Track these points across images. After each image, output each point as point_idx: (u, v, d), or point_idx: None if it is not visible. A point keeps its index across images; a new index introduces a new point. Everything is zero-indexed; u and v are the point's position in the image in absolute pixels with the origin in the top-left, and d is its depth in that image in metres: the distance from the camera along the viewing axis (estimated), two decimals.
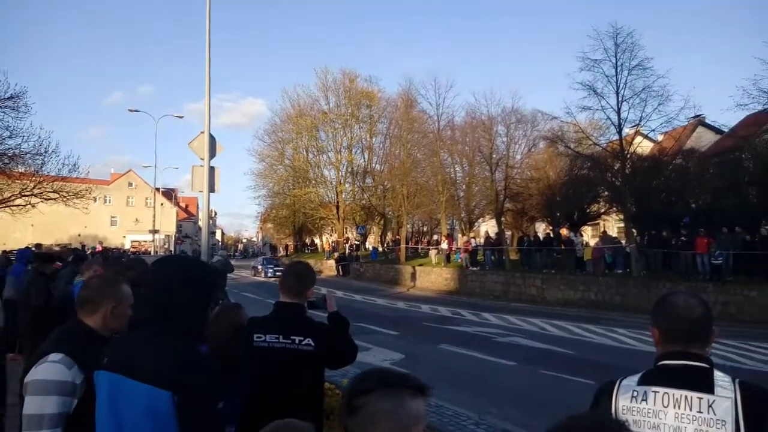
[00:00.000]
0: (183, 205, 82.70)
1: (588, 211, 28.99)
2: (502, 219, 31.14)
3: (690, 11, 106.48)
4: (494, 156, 30.26)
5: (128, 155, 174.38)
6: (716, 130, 31.06)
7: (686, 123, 24.93)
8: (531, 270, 24.51)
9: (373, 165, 44.61)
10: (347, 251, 38.61)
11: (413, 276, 29.80)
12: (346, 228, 46.47)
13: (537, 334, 14.21)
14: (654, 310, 1.80)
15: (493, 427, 6.52)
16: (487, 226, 37.07)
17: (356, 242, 42.63)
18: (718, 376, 1.65)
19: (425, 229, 46.90)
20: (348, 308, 18.60)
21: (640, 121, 21.90)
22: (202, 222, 12.21)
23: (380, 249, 39.96)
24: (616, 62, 21.22)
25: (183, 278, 1.89)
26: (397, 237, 37.51)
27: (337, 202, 44.07)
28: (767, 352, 11.55)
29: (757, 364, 10.52)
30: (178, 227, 73.77)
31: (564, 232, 25.82)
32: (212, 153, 11.09)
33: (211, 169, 11.03)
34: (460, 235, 34.96)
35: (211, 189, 11.01)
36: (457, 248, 30.24)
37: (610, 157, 23.17)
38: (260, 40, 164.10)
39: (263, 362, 2.82)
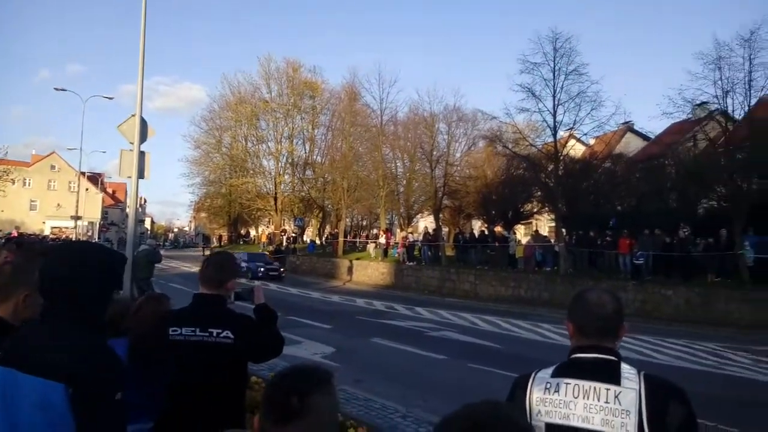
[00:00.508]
0: (110, 191, 78.91)
1: (522, 210, 29.90)
2: (440, 215, 31.61)
3: (624, 22, 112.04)
4: (435, 153, 30.64)
5: (52, 136, 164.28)
6: (643, 137, 32.81)
7: (616, 129, 26.18)
8: (465, 266, 25.02)
9: (314, 157, 44.13)
10: (284, 243, 38.04)
11: (350, 270, 29.78)
12: (284, 220, 45.77)
13: (468, 329, 14.51)
14: (570, 305, 1.86)
15: (419, 419, 6.56)
16: (426, 222, 37.55)
17: (294, 234, 42.10)
18: (625, 368, 1.71)
19: (364, 223, 46.91)
20: (281, 301, 18.33)
21: (574, 124, 22.75)
22: (130, 209, 11.63)
23: (318, 242, 39.66)
24: (554, 66, 21.94)
25: (80, 265, 1.79)
26: (335, 230, 37.33)
27: (276, 194, 43.31)
28: (679, 348, 12.29)
29: (669, 359, 11.15)
30: (104, 214, 70.30)
31: (498, 229, 26.54)
32: (143, 137, 10.59)
33: (141, 154, 10.53)
34: (398, 230, 35.25)
35: (141, 175, 10.51)
36: (395, 243, 30.46)
37: (545, 158, 23.95)
38: (203, 23, 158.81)
39: (180, 356, 2.72)
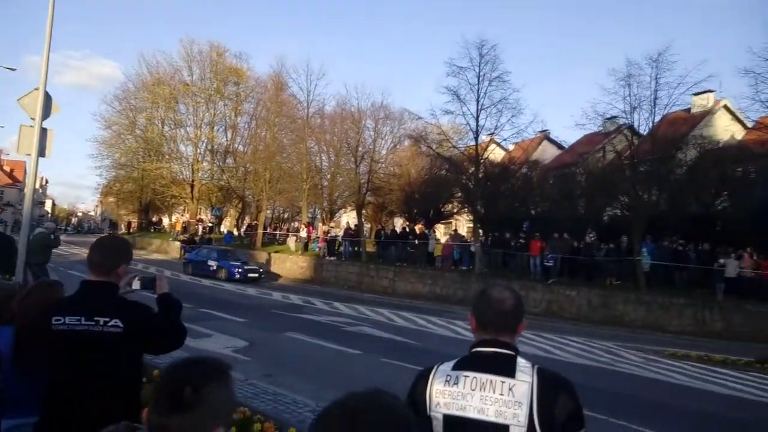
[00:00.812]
0: (7, 169, 72.61)
1: (443, 209, 30.59)
2: (363, 211, 31.69)
3: (546, 34, 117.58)
4: (360, 149, 30.65)
5: None
6: (558, 146, 34.62)
7: (534, 136, 27.40)
8: (385, 263, 25.25)
9: (236, 145, 42.67)
10: (200, 233, 36.62)
11: (268, 263, 29.17)
12: (201, 209, 44.03)
13: (384, 324, 14.62)
14: (474, 300, 1.95)
15: None
16: (349, 218, 37.51)
17: (210, 224, 40.62)
18: (521, 362, 1.78)
19: (286, 215, 46.13)
20: (193, 293, 17.64)
21: (495, 129, 23.57)
22: (27, 189, 10.71)
23: (236, 233, 38.53)
24: (479, 72, 22.58)
25: None
26: (255, 222, 36.43)
27: (192, 181, 41.50)
28: (579, 346, 13.01)
29: (569, 356, 11.77)
30: None
31: (419, 228, 26.98)
32: (46, 112, 9.77)
33: (43, 131, 9.71)
34: (321, 224, 35.00)
35: (41, 153, 9.68)
36: (317, 237, 30.21)
37: (467, 160, 24.62)
38: None
39: (64, 347, 2.49)
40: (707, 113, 28.44)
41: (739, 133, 26.04)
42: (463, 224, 34.55)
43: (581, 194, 24.83)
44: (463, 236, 26.91)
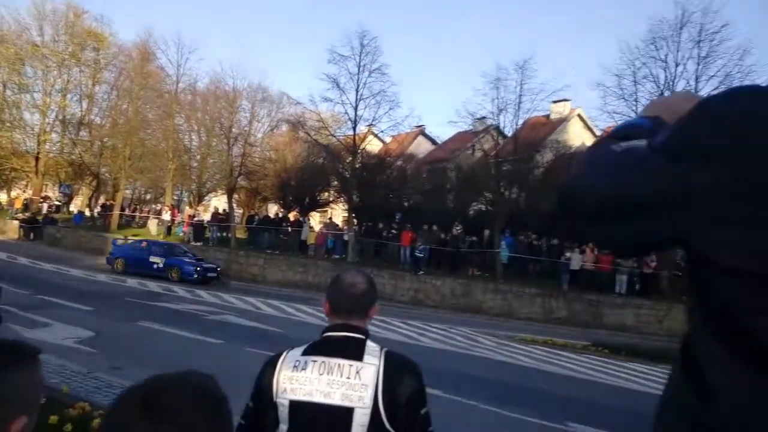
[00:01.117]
0: None
1: (319, 198, 30.38)
2: (235, 196, 30.46)
3: (424, 30, 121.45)
4: (234, 130, 29.32)
5: None
6: (432, 141, 36.00)
7: (410, 130, 28.18)
8: (256, 249, 24.50)
9: (92, 117, 38.65)
10: (44, 212, 32.76)
11: None
12: (47, 185, 39.41)
13: (250, 313, 14.15)
14: (329, 285, 1.95)
15: None
16: (219, 201, 35.83)
17: (58, 202, 36.52)
18: (370, 346, 1.79)
19: (149, 197, 42.96)
20: (30, 278, 15.75)
21: (373, 121, 23.96)
22: None
23: (88, 213, 35.06)
24: (360, 62, 22.74)
25: None
26: (111, 202, 33.39)
27: (38, 153, 36.87)
28: (439, 332, 13.60)
29: (430, 341, 12.22)
30: None
31: (294, 215, 26.54)
32: None
33: None
34: (188, 207, 33.00)
35: None
36: (181, 221, 28.46)
37: (344, 150, 24.68)
38: None
39: None
40: (563, 120, 31.22)
41: (589, 140, 28.81)
42: (338, 213, 34.63)
43: (451, 189, 26.07)
44: (338, 225, 26.95)
